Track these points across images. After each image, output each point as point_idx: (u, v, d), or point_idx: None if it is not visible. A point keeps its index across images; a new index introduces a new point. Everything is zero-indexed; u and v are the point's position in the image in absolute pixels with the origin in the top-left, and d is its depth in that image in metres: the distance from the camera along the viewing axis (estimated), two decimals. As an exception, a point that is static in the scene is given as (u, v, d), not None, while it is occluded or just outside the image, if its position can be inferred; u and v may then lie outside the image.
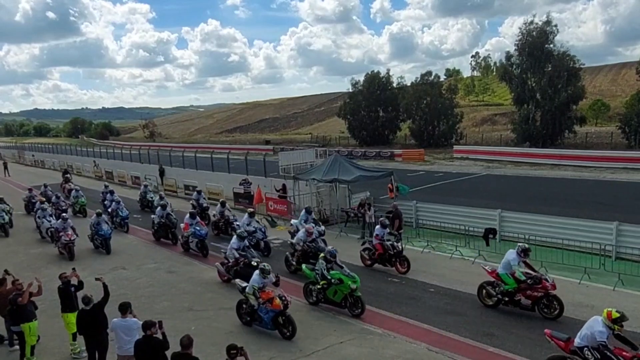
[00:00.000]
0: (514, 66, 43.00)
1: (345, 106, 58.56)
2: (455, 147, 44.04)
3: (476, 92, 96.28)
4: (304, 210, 15.68)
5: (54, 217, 18.37)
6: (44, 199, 21.11)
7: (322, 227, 14.68)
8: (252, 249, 13.35)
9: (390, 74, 57.60)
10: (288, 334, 9.48)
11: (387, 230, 13.53)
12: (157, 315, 9.56)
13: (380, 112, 55.50)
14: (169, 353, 6.83)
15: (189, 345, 6.51)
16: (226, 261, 12.99)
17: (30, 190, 25.28)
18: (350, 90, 58.52)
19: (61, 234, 15.90)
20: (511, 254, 10.37)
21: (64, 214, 17.16)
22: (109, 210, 20.08)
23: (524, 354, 8.61)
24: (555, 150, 37.12)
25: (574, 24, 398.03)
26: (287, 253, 13.91)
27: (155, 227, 17.70)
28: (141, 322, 7.53)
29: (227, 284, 13.02)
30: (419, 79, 52.95)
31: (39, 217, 18.74)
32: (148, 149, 43.19)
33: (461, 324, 9.67)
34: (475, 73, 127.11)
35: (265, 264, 10.27)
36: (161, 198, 20.20)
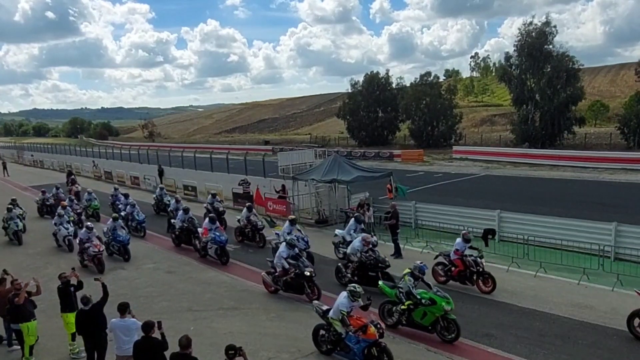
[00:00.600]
0: (513, 67, 43.05)
1: (345, 106, 58.60)
2: (455, 148, 44.04)
3: (475, 93, 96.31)
4: (352, 220, 14.39)
5: (71, 224, 17.62)
6: (66, 203, 19.75)
7: (375, 238, 13.17)
8: (304, 258, 12.24)
9: (390, 74, 57.70)
10: None
11: (468, 244, 11.90)
12: (156, 315, 9.55)
13: (380, 113, 55.55)
14: (167, 353, 6.83)
15: (188, 345, 6.50)
16: (273, 270, 12.03)
17: (43, 192, 24.32)
18: (350, 91, 58.60)
19: (87, 244, 14.70)
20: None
21: (88, 223, 15.88)
22: (122, 214, 19.08)
23: (522, 354, 8.64)
24: (554, 151, 37.14)
25: (573, 24, 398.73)
26: (339, 264, 12.78)
27: (177, 232, 16.84)
28: (140, 323, 7.53)
29: (227, 284, 13.03)
30: (418, 80, 53.01)
31: (55, 223, 17.46)
32: (147, 149, 43.22)
33: (460, 325, 9.66)
34: (475, 74, 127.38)
35: (356, 285, 8.69)
36: (177, 201, 19.41)
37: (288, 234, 13.90)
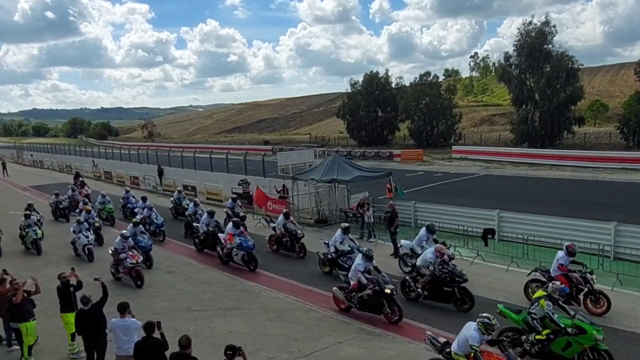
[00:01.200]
0: (513, 67, 43.06)
1: (344, 106, 58.61)
2: (454, 148, 44.04)
3: (475, 93, 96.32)
4: (424, 229, 12.95)
5: (91, 232, 16.38)
6: (90, 207, 18.61)
7: (450, 251, 12.03)
8: (383, 273, 10.71)
9: (389, 74, 57.75)
10: None
11: (571, 258, 10.60)
12: (156, 315, 9.57)
13: (379, 113, 55.55)
14: (167, 353, 6.83)
15: (188, 345, 6.50)
16: (346, 285, 10.74)
17: (56, 194, 23.01)
18: (349, 91, 58.61)
19: (123, 255, 13.29)
20: None
21: (124, 232, 14.22)
22: (138, 217, 17.85)
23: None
24: (553, 150, 37.15)
25: (573, 24, 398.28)
26: (407, 277, 11.70)
27: (202, 237, 15.95)
28: (140, 323, 7.53)
29: (226, 284, 13.02)
30: (417, 80, 53.01)
31: (74, 231, 16.12)
32: (147, 149, 43.29)
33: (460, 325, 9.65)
34: (474, 73, 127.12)
35: (490, 316, 7.33)
36: (196, 205, 18.59)
37: (341, 243, 13.01)
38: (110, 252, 13.80)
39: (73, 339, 9.14)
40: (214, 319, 10.69)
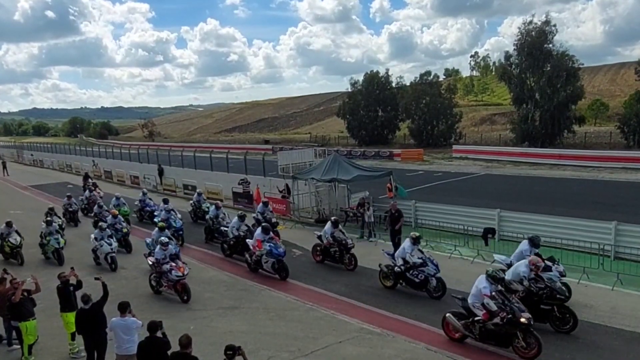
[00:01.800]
0: (513, 66, 42.98)
1: (345, 106, 58.59)
2: (454, 147, 44.01)
3: (475, 92, 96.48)
4: (526, 242, 10.98)
5: (114, 239, 15.34)
6: (116, 212, 17.58)
7: (556, 265, 10.44)
8: (514, 297, 8.79)
9: (390, 73, 57.75)
10: None
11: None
12: (156, 314, 9.59)
13: (380, 112, 55.47)
14: (168, 353, 6.83)
15: (188, 344, 6.50)
16: (465, 313, 9.04)
17: (69, 197, 21.75)
18: (350, 90, 58.56)
19: (166, 266, 11.94)
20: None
21: (162, 238, 12.86)
22: (155, 220, 17.42)
23: (522, 353, 8.59)
24: (554, 150, 37.12)
25: (573, 23, 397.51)
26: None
27: (232, 242, 15.14)
28: (140, 322, 7.53)
29: (226, 283, 13.00)
30: (418, 79, 52.97)
31: (96, 238, 15.11)
32: (147, 148, 43.27)
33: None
34: (475, 73, 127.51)
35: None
36: (218, 207, 17.39)
37: (410, 254, 11.56)
38: (150, 263, 12.71)
39: (73, 339, 9.13)
40: (214, 319, 10.69)
